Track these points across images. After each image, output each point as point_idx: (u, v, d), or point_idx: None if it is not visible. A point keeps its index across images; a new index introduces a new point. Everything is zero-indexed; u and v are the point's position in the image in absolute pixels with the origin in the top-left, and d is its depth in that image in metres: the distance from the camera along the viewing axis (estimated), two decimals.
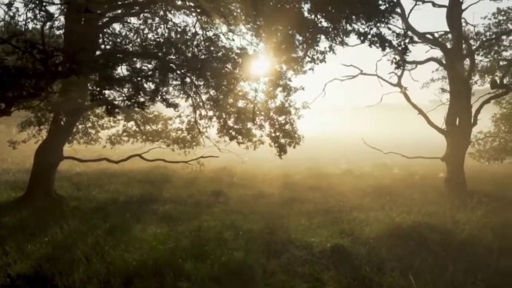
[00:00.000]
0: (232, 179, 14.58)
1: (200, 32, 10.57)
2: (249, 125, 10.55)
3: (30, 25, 9.01)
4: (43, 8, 7.91)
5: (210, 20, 9.83)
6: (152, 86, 8.24)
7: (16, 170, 15.05)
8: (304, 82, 10.28)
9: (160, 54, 8.51)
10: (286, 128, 10.30)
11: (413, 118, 15.16)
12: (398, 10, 11.32)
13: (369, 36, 7.73)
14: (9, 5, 8.22)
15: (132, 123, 13.83)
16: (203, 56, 9.13)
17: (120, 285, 4.75)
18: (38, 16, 8.05)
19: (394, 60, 8.33)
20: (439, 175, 13.73)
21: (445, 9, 11.85)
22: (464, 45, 12.23)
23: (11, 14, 8.56)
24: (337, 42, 8.52)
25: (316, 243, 6.36)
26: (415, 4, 12.38)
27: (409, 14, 11.82)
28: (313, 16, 8.21)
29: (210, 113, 10.89)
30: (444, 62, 12.87)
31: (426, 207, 8.93)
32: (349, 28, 8.02)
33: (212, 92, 10.07)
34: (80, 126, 13.53)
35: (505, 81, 12.53)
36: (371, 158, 21.31)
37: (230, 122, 10.67)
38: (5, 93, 7.03)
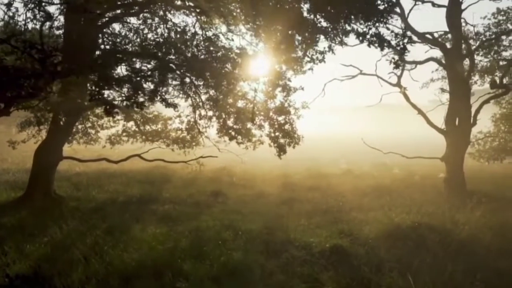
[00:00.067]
0: (232, 179, 14.58)
1: (199, 32, 10.59)
2: (249, 125, 10.57)
3: (30, 25, 9.04)
4: (42, 8, 7.90)
5: (210, 20, 9.81)
6: (152, 86, 8.22)
7: (16, 170, 15.04)
8: (303, 82, 10.29)
9: (159, 54, 8.49)
10: (285, 128, 10.31)
11: (412, 118, 15.09)
12: (398, 10, 11.32)
13: (368, 36, 7.76)
14: (9, 5, 8.20)
15: (131, 123, 13.80)
16: (202, 56, 9.13)
17: (119, 285, 4.74)
18: (38, 16, 8.06)
19: (392, 60, 8.37)
20: (439, 175, 13.71)
21: (444, 9, 11.84)
22: (463, 45, 12.23)
23: (11, 14, 8.58)
24: (337, 42, 8.53)
25: (315, 243, 6.35)
26: (415, 4, 12.38)
27: (408, 14, 11.85)
28: (312, 16, 8.23)
29: (210, 113, 10.91)
30: (443, 62, 12.85)
31: (426, 207, 8.91)
32: (348, 28, 8.05)
33: (211, 92, 10.07)
34: (79, 126, 13.54)
35: (504, 81, 12.54)
36: (370, 158, 21.28)
37: (230, 122, 10.68)
38: (4, 93, 7.04)
